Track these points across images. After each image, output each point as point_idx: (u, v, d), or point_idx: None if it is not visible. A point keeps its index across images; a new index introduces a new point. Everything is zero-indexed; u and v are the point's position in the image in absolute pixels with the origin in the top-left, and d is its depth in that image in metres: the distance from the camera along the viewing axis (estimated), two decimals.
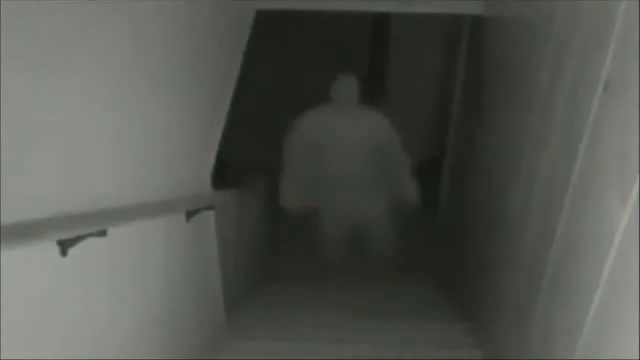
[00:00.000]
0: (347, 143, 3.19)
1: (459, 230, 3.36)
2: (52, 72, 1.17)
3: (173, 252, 1.95)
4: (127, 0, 1.45)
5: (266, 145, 4.35)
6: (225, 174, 2.66)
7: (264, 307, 3.05)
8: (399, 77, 5.12)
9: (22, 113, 1.07)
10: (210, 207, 2.28)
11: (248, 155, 4.00)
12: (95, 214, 1.33)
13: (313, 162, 3.25)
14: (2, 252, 0.95)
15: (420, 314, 3.02)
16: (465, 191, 3.32)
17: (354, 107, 3.20)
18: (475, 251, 2.76)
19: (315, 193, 3.38)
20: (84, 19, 1.26)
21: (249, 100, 3.46)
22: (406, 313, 2.98)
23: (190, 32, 2.02)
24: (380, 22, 5.08)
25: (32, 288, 1.12)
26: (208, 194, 2.38)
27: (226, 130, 2.56)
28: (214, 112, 2.48)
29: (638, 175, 0.99)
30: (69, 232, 1.21)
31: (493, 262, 2.31)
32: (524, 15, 2.18)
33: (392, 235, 3.53)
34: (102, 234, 1.33)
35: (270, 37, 3.68)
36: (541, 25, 1.84)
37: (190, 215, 2.04)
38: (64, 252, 1.18)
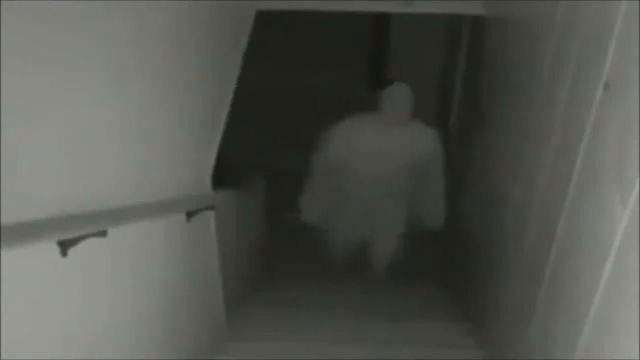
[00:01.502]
0: (385, 159, 2.92)
1: (459, 230, 3.36)
2: (53, 72, 1.17)
3: (173, 252, 1.95)
4: (128, 0, 1.45)
5: (265, 146, 4.35)
6: (224, 174, 2.66)
7: (264, 307, 3.05)
8: (398, 77, 5.12)
9: (22, 113, 1.07)
10: (210, 207, 2.28)
11: (247, 155, 4.00)
12: (95, 214, 1.33)
13: (340, 177, 3.01)
14: (2, 252, 0.95)
15: (420, 314, 3.02)
16: (465, 191, 3.32)
17: (404, 121, 2.86)
18: (476, 251, 2.76)
19: (335, 205, 3.19)
20: (86, 19, 1.26)
21: (249, 100, 3.46)
22: (406, 314, 2.98)
23: (190, 32, 2.02)
24: (381, 22, 5.08)
25: (32, 288, 1.12)
26: (208, 194, 2.37)
27: (226, 130, 2.56)
28: (214, 112, 2.47)
29: (638, 175, 0.99)
30: (69, 232, 1.21)
31: (493, 262, 2.31)
32: (524, 15, 2.18)
33: (395, 250, 3.35)
34: (102, 234, 1.33)
35: (270, 37, 3.68)
36: (541, 25, 1.84)
37: (190, 215, 2.04)
38: (64, 252, 1.18)
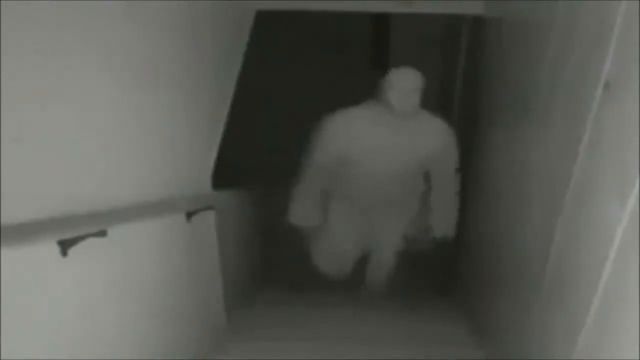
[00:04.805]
0: (390, 157, 2.51)
1: (459, 230, 3.35)
2: (53, 72, 1.17)
3: (173, 252, 1.95)
4: (129, 0, 1.45)
5: (265, 146, 4.35)
6: (224, 174, 2.66)
7: (264, 307, 3.05)
8: None
9: (22, 114, 1.07)
10: (210, 207, 2.28)
11: (247, 155, 4.00)
12: (95, 214, 1.33)
13: (339, 177, 2.61)
14: (2, 252, 0.95)
15: (421, 314, 3.01)
16: (465, 192, 3.32)
17: (413, 111, 2.44)
18: (476, 252, 2.76)
19: (327, 211, 2.79)
20: (87, 20, 1.26)
21: (249, 100, 3.45)
22: (408, 313, 2.98)
23: (191, 32, 2.02)
24: (381, 22, 5.08)
25: (32, 288, 1.12)
26: (208, 194, 2.38)
27: (226, 130, 2.56)
28: (214, 112, 2.48)
29: (637, 175, 0.99)
30: (69, 232, 1.21)
31: (493, 262, 2.31)
32: (524, 16, 2.18)
33: (393, 267, 2.98)
34: (102, 234, 1.33)
35: (270, 37, 3.68)
36: (541, 25, 1.84)
37: (190, 215, 2.04)
38: (64, 252, 1.19)
